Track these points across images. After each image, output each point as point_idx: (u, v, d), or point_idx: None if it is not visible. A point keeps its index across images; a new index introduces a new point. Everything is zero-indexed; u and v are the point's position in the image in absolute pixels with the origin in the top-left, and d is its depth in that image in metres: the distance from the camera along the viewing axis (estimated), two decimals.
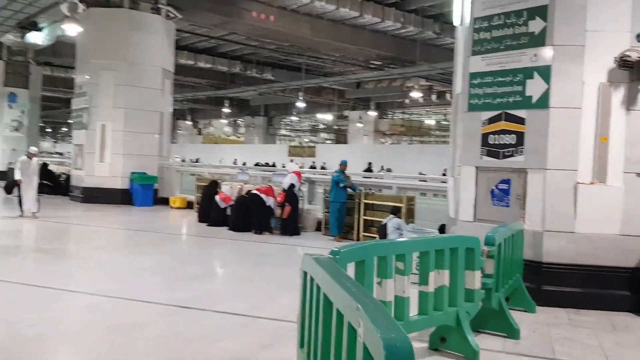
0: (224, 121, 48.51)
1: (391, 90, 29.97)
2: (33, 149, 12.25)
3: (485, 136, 6.25)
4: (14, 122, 23.88)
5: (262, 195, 10.35)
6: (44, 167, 18.90)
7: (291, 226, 10.21)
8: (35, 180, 11.78)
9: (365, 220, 9.72)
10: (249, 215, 10.47)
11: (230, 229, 10.73)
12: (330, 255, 3.22)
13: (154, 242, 9.59)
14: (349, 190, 9.97)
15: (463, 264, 4.19)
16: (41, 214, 11.51)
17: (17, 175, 11.53)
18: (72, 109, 16.41)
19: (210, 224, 11.38)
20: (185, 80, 31.05)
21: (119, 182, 14.95)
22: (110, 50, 14.99)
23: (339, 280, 2.37)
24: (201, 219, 11.88)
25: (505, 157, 6.06)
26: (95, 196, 14.67)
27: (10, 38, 21.93)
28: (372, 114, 34.28)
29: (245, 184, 11.97)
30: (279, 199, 10.32)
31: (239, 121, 51.90)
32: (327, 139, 49.46)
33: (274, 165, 28.69)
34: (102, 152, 15.06)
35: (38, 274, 6.65)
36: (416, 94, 25.93)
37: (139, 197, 14.79)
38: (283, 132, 51.11)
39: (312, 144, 46.74)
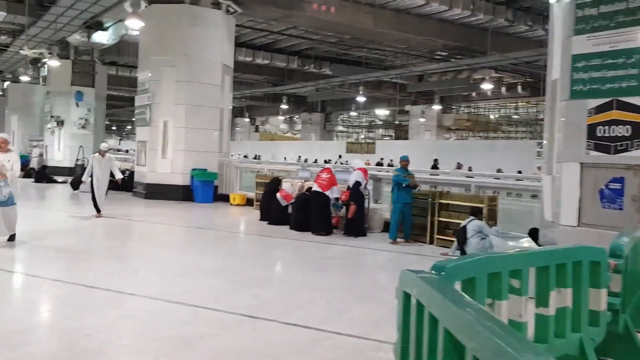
0: (281, 118, 48.50)
1: (457, 83, 28.78)
2: (104, 146, 11.72)
3: (592, 127, 5.40)
4: (81, 120, 24.49)
5: (325, 192, 9.75)
6: None
7: (356, 226, 9.57)
8: (107, 179, 11.35)
9: (439, 221, 8.95)
10: (310, 214, 9.93)
11: (291, 228, 10.24)
12: (432, 272, 2.57)
13: (215, 241, 9.21)
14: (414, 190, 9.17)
15: (587, 280, 3.45)
16: (104, 211, 11.38)
17: (85, 176, 11.25)
18: (135, 106, 16.43)
19: (270, 222, 10.93)
20: (243, 77, 31.05)
21: (180, 179, 14.82)
22: (171, 47, 14.86)
23: (474, 315, 1.73)
24: (262, 217, 11.47)
25: (617, 151, 5.20)
26: (157, 192, 14.60)
27: (76, 38, 22.41)
28: (437, 107, 33.00)
29: (305, 181, 11.45)
30: (343, 197, 9.71)
31: (295, 118, 51.80)
32: (384, 136, 48.47)
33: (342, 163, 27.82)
34: (164, 148, 14.96)
35: (97, 275, 6.34)
36: (487, 86, 24.69)
37: (200, 194, 14.60)
38: (340, 128, 50.54)
39: (370, 140, 45.99)
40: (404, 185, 9.03)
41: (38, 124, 28.35)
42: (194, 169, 14.76)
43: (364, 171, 9.71)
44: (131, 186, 16.05)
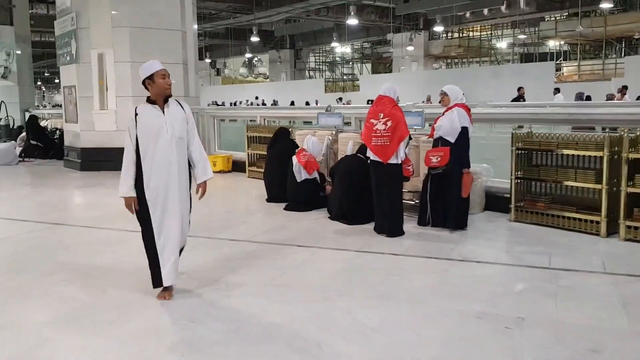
0: (242, 58, 42.94)
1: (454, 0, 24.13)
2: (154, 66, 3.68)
3: None
4: (0, 68, 19.11)
5: (390, 162, 5.26)
6: (33, 121, 14.34)
7: (461, 210, 5.29)
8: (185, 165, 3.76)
9: (630, 194, 4.77)
10: (368, 196, 5.53)
11: (333, 218, 5.93)
12: None
13: (198, 266, 4.69)
14: None
15: None
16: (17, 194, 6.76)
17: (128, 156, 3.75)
18: (55, 36, 11.40)
19: (290, 207, 6.55)
20: (202, 6, 25.70)
21: None
22: None
23: None
24: (270, 197, 7.10)
25: None
26: (97, 161, 9.88)
27: None
28: (438, 29, 28.22)
29: (339, 132, 7.10)
30: (435, 160, 5.30)
31: (255, 61, 46.42)
32: (347, 74, 43.28)
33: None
34: (103, 95, 10.16)
35: None
36: None
37: None
38: (312, 66, 45.30)
39: (350, 76, 41.46)
40: None
41: None
42: None
43: (467, 109, 5.29)
44: (62, 153, 11.32)
